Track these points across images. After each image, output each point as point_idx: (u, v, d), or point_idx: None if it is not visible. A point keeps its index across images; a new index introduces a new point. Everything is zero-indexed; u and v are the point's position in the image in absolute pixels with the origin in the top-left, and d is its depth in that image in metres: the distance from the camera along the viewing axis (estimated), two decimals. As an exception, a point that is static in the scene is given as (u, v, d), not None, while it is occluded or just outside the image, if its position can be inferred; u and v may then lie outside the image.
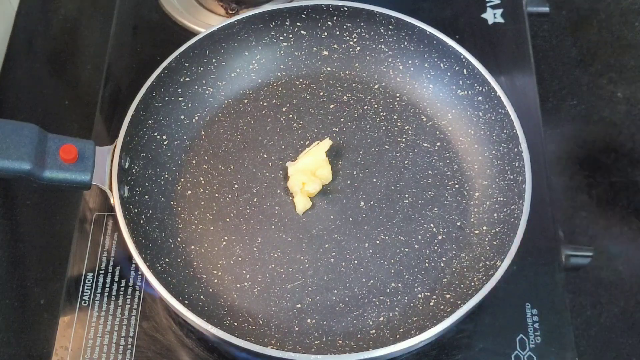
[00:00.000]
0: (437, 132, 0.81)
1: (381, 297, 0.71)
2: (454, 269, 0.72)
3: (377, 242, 0.74)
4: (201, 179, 0.78)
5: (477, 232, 0.74)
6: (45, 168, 0.68)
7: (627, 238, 0.92)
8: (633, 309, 0.86)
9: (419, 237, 0.74)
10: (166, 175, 0.78)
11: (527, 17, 0.94)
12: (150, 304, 0.74)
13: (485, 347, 0.72)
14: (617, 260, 0.91)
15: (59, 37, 1.00)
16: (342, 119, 0.82)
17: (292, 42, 0.85)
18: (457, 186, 0.77)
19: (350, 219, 0.75)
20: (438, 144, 0.80)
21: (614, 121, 0.96)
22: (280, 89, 0.84)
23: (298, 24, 0.83)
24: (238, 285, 0.72)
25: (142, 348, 0.72)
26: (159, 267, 0.70)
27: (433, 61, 0.81)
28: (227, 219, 0.76)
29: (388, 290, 0.71)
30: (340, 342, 0.68)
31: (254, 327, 0.69)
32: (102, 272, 0.75)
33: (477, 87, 0.78)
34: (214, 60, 0.82)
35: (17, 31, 0.97)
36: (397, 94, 0.83)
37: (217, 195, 0.77)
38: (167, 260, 0.72)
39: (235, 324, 0.68)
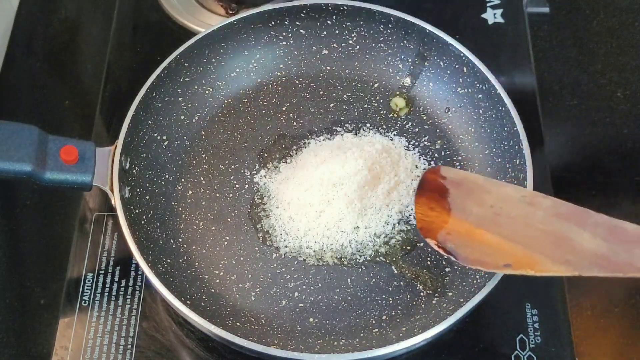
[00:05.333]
0: (438, 130, 0.81)
1: (383, 296, 0.71)
2: (455, 267, 0.72)
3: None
4: (202, 179, 0.78)
5: (479, 230, 0.74)
6: (46, 169, 0.67)
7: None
8: (633, 309, 0.86)
9: (421, 235, 0.74)
10: (167, 176, 0.78)
11: (527, 17, 0.94)
12: (150, 304, 0.74)
13: (485, 347, 0.72)
14: (617, 260, 0.91)
15: (59, 37, 1.00)
16: (342, 118, 0.82)
17: (292, 42, 0.85)
18: (458, 185, 0.77)
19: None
20: (438, 142, 0.80)
21: (614, 121, 0.96)
22: (280, 88, 0.84)
23: (297, 23, 0.83)
24: (240, 285, 0.72)
25: (142, 348, 0.72)
26: (161, 268, 0.70)
27: (433, 59, 0.81)
28: (229, 219, 0.76)
29: (390, 288, 0.71)
30: (342, 341, 0.68)
31: (256, 327, 0.69)
32: (102, 272, 0.75)
33: (477, 85, 0.78)
34: (213, 60, 0.82)
35: (17, 31, 0.97)
36: (397, 92, 0.83)
37: (218, 195, 0.77)
38: (168, 260, 0.71)
39: (238, 324, 0.68)
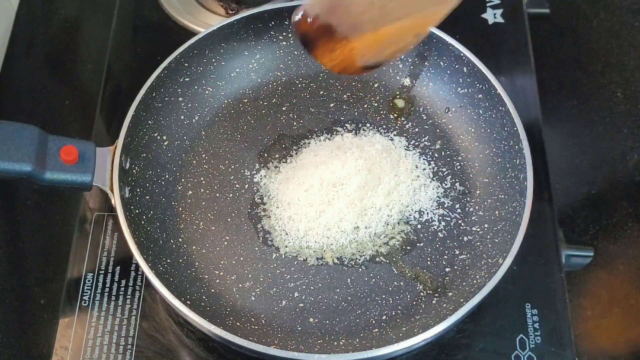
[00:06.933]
0: (438, 130, 0.81)
1: (383, 296, 0.71)
2: (456, 267, 0.72)
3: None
4: (202, 179, 0.78)
5: (478, 229, 0.74)
6: (46, 169, 0.67)
7: (627, 238, 0.92)
8: (633, 310, 0.86)
9: (421, 235, 0.74)
10: (167, 176, 0.78)
11: (527, 17, 0.94)
12: (150, 304, 0.74)
13: (485, 347, 0.72)
14: (617, 260, 0.91)
15: (59, 37, 1.00)
16: (342, 118, 0.82)
17: (292, 42, 0.85)
18: (457, 184, 0.77)
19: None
20: (438, 142, 0.80)
21: (614, 121, 0.96)
22: (280, 88, 0.84)
23: (298, 23, 0.83)
24: (240, 285, 0.72)
25: (142, 348, 0.72)
26: (161, 268, 0.70)
27: (433, 59, 0.81)
28: (229, 219, 0.76)
29: (390, 288, 0.71)
30: (343, 341, 0.68)
31: (256, 327, 0.69)
32: (102, 272, 0.75)
33: (477, 85, 0.78)
34: (213, 60, 0.82)
35: (17, 31, 0.97)
36: (397, 93, 0.83)
37: (218, 195, 0.77)
38: (168, 260, 0.71)
39: (238, 324, 0.68)
